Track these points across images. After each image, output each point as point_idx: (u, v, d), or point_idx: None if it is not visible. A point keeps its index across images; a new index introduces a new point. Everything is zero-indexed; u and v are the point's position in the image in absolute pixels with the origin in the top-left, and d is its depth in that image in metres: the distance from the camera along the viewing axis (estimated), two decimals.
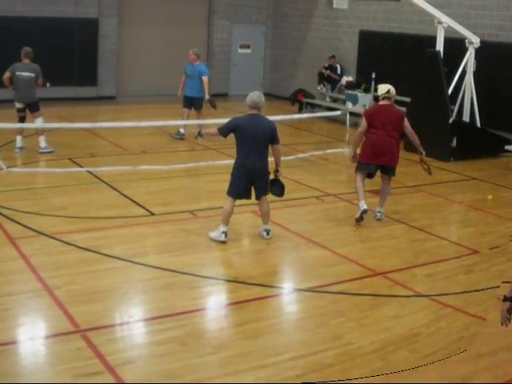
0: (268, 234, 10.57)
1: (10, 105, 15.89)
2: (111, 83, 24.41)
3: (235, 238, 10.66)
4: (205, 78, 17.75)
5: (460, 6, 19.14)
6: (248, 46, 27.24)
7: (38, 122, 15.40)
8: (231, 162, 10.44)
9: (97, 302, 8.15)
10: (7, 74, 15.20)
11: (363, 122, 11.45)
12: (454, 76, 17.03)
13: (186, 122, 17.75)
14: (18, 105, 15.43)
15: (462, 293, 8.86)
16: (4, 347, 7.04)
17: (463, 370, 6.81)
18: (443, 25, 16.91)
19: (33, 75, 15.18)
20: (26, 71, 15.22)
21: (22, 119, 15.51)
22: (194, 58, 17.99)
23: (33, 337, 7.39)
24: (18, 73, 15.19)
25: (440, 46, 17.05)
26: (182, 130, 18.04)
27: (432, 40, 17.41)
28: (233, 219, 10.85)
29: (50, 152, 15.57)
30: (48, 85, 15.55)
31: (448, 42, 17.09)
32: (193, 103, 17.94)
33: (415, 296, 8.72)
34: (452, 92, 17.02)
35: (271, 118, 17.78)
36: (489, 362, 6.94)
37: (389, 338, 7.53)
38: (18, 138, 15.58)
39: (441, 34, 17.05)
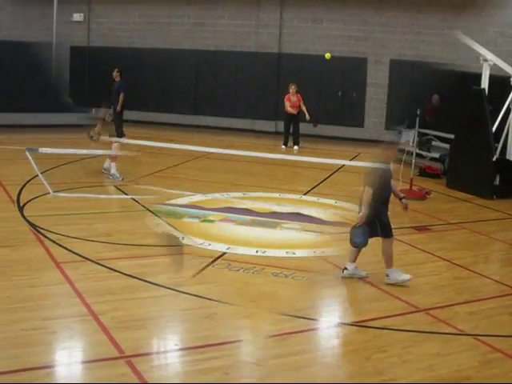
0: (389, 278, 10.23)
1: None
2: None
3: (279, 272, 10.73)
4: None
5: (506, 43, 19.15)
6: None
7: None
8: None
9: (141, 328, 8.24)
10: None
11: None
12: (499, 113, 16.98)
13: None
14: None
15: (510, 336, 8.72)
16: (49, 370, 7.14)
17: None
18: (489, 62, 16.90)
19: None
20: None
21: None
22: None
23: (78, 361, 7.47)
24: None
25: (485, 84, 17.03)
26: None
27: (477, 77, 17.40)
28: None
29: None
30: None
31: (492, 79, 17.07)
32: None
33: (459, 334, 8.63)
34: (496, 129, 16.97)
35: None
36: None
37: (434, 378, 7.41)
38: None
39: (486, 72, 17.04)
